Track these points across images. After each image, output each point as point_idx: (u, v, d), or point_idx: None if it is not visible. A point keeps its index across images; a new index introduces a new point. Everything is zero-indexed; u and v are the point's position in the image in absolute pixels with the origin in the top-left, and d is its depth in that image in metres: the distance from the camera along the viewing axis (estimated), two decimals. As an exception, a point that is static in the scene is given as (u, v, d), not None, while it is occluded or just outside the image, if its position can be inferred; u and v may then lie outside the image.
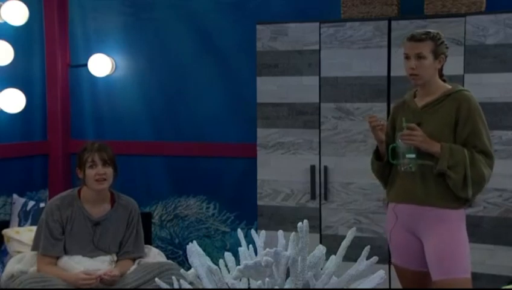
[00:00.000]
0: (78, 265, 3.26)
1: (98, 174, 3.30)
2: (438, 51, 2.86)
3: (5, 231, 3.85)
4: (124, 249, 3.41)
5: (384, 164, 3.00)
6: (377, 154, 3.03)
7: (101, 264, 3.31)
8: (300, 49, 3.84)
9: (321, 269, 2.10)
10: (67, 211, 3.33)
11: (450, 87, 2.93)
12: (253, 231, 2.31)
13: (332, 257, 2.15)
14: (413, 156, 2.82)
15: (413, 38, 2.85)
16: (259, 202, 3.97)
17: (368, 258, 2.13)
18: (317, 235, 3.79)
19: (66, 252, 3.33)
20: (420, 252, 2.91)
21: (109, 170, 3.34)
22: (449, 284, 2.78)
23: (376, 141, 3.00)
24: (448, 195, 2.83)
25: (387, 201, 3.04)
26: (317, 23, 3.81)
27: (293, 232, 2.15)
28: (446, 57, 2.90)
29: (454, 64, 3.44)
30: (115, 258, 3.38)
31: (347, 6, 3.83)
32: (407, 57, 2.88)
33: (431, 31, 2.87)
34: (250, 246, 2.26)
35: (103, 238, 3.37)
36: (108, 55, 4.63)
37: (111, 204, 3.43)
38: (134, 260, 3.43)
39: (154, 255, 3.56)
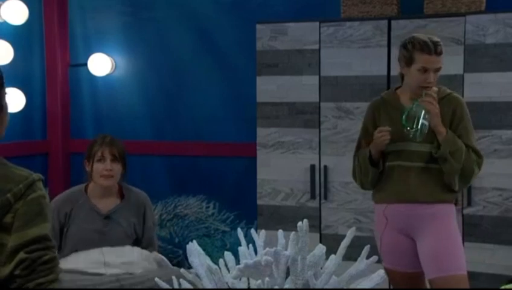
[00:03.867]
0: (85, 260, 3.13)
1: (105, 169, 3.22)
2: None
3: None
4: (145, 241, 3.35)
5: (379, 170, 2.98)
6: (371, 162, 3.00)
7: (115, 258, 3.17)
8: (300, 48, 3.84)
9: (321, 268, 2.10)
10: (66, 208, 3.25)
11: (436, 89, 2.92)
12: (253, 231, 2.31)
13: (332, 256, 2.15)
14: (426, 123, 2.79)
15: (435, 52, 2.78)
16: (259, 202, 3.97)
17: (367, 257, 2.13)
18: (317, 235, 3.79)
19: (72, 248, 3.21)
20: (412, 253, 2.91)
21: (117, 166, 3.26)
22: (446, 281, 2.78)
23: (375, 150, 2.94)
24: (437, 190, 2.86)
25: (375, 202, 3.04)
26: (317, 23, 3.81)
27: (293, 232, 2.15)
28: None
29: (454, 63, 3.44)
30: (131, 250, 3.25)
31: (347, 6, 3.83)
32: (425, 70, 2.81)
33: (438, 39, 2.83)
34: (250, 245, 2.27)
35: (114, 232, 3.26)
36: (108, 54, 4.63)
37: (120, 197, 3.34)
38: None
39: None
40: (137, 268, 3.13)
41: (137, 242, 3.35)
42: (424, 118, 2.79)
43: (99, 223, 3.26)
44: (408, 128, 2.80)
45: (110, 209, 3.29)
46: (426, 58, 2.79)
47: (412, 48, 2.83)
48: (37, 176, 1.58)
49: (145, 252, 3.27)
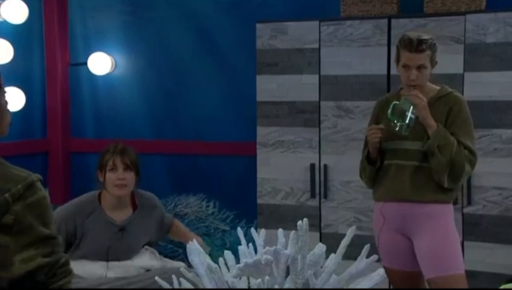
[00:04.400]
0: (87, 272, 3.10)
1: (118, 178, 3.14)
2: (434, 57, 2.87)
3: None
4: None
5: (377, 167, 2.99)
6: (368, 159, 3.01)
7: (117, 275, 3.14)
8: (300, 47, 3.84)
9: (321, 267, 2.10)
10: (77, 221, 3.15)
11: (438, 88, 2.93)
12: (253, 230, 2.31)
13: (332, 255, 2.15)
14: (413, 117, 2.81)
15: (415, 50, 2.80)
16: (259, 201, 3.97)
17: (367, 256, 2.13)
18: (317, 234, 3.79)
19: (82, 256, 3.15)
20: (410, 252, 2.91)
21: (130, 175, 3.19)
22: (445, 281, 2.78)
23: (371, 148, 2.97)
24: (431, 190, 2.86)
25: (374, 200, 3.05)
26: (317, 22, 3.81)
27: (293, 231, 2.15)
28: None
29: (454, 62, 3.44)
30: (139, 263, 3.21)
31: (347, 5, 3.83)
32: (406, 67, 2.84)
33: (427, 37, 2.83)
34: (250, 244, 2.26)
35: (127, 242, 3.20)
36: (108, 53, 4.63)
37: (132, 207, 3.27)
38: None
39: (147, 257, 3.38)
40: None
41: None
42: (412, 113, 2.81)
43: (114, 235, 3.18)
44: (395, 121, 2.82)
45: (125, 220, 3.21)
46: (407, 55, 2.83)
47: (399, 46, 2.88)
48: (36, 176, 1.57)
49: (155, 264, 3.23)
